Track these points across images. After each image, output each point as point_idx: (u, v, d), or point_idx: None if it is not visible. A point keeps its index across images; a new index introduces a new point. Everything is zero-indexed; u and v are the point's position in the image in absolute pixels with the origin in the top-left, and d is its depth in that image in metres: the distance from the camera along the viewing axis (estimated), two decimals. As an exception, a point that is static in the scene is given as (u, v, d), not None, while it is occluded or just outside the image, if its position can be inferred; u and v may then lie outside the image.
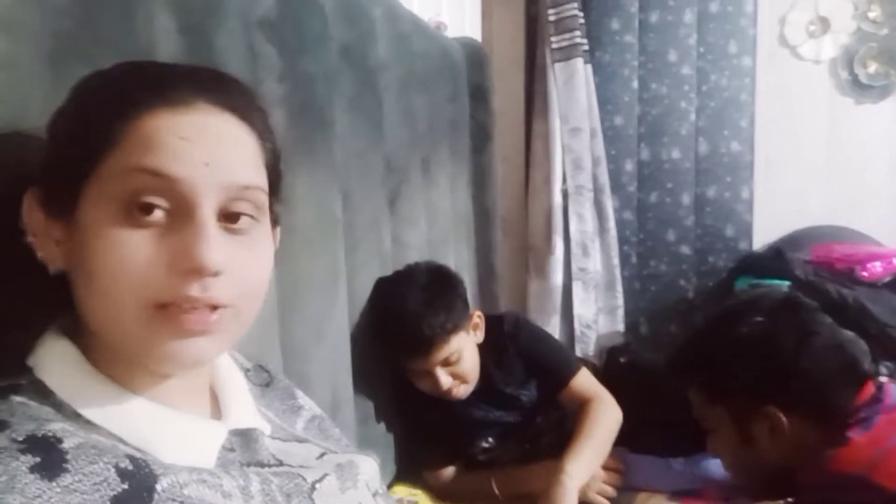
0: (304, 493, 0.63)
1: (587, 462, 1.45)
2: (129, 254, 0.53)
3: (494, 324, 1.60)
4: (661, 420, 1.53)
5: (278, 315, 1.08)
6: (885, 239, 2.40)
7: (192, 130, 0.55)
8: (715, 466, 1.46)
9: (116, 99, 0.55)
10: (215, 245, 0.54)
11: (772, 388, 1.12)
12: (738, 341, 1.17)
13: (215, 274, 0.54)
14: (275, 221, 0.66)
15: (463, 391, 1.50)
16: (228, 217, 0.57)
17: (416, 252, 1.61)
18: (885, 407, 1.03)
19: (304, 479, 0.64)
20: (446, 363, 1.45)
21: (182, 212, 0.54)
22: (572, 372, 1.59)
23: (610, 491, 1.50)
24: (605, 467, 1.52)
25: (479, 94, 2.07)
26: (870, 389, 1.07)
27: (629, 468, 1.57)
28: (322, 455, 0.73)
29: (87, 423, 0.54)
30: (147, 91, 0.55)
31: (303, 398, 0.83)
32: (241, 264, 0.57)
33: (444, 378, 1.45)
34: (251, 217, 0.59)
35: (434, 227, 1.74)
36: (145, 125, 0.54)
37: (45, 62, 0.65)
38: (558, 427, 1.61)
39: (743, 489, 1.33)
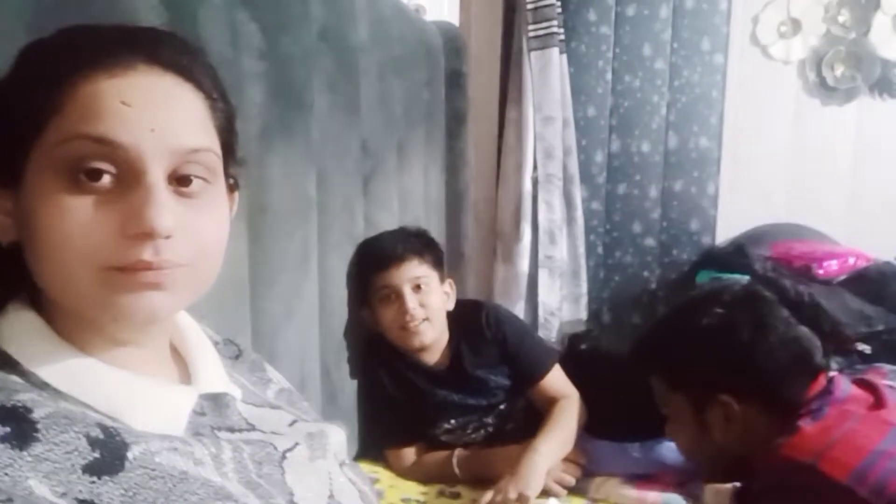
0: (275, 462, 0.64)
1: (557, 446, 1.51)
2: (77, 220, 0.52)
3: (471, 309, 1.63)
4: (619, 406, 1.57)
5: (249, 292, 1.09)
6: (843, 238, 2.45)
7: (134, 94, 0.53)
8: (669, 451, 1.50)
9: (55, 64, 0.54)
10: (165, 209, 0.53)
11: (727, 377, 1.14)
12: (697, 332, 1.19)
13: (167, 237, 0.53)
14: (232, 186, 0.65)
15: (425, 330, 1.53)
16: (180, 180, 0.56)
17: (388, 234, 1.62)
18: (836, 399, 1.06)
19: (275, 448, 0.65)
20: (416, 288, 1.50)
21: (130, 177, 0.53)
22: (546, 370, 1.63)
23: (568, 479, 1.52)
24: (566, 459, 1.55)
25: (456, 80, 2.08)
26: (821, 382, 1.10)
27: (586, 453, 1.61)
28: (293, 422, 0.73)
29: (56, 392, 0.54)
30: (85, 55, 0.54)
31: (272, 372, 0.84)
32: (194, 227, 0.56)
33: (412, 300, 1.49)
34: (203, 180, 0.58)
35: (406, 211, 1.75)
36: (86, 90, 0.53)
37: (27, 35, 0.64)
38: (523, 414, 1.64)
39: (696, 473, 1.37)
